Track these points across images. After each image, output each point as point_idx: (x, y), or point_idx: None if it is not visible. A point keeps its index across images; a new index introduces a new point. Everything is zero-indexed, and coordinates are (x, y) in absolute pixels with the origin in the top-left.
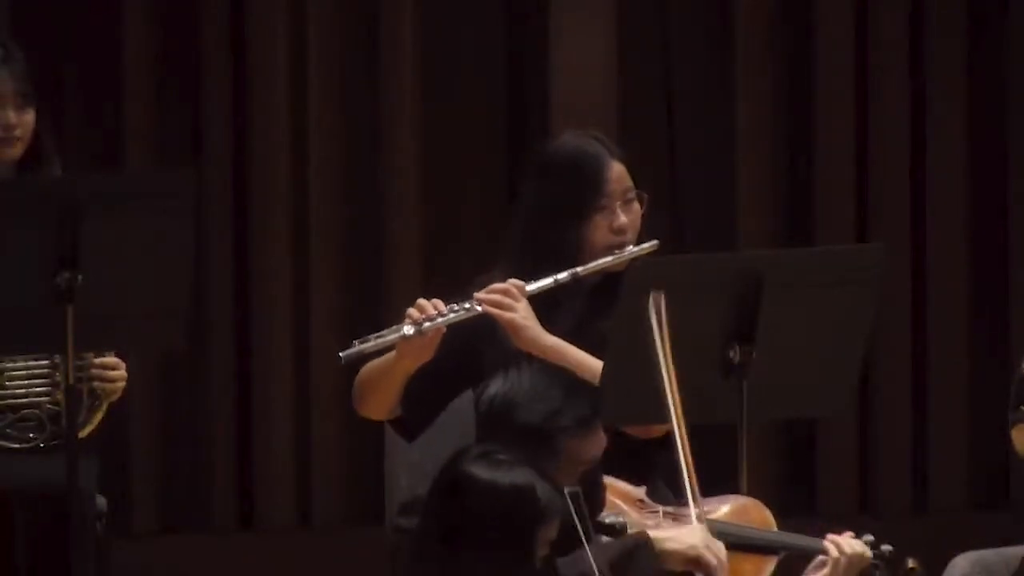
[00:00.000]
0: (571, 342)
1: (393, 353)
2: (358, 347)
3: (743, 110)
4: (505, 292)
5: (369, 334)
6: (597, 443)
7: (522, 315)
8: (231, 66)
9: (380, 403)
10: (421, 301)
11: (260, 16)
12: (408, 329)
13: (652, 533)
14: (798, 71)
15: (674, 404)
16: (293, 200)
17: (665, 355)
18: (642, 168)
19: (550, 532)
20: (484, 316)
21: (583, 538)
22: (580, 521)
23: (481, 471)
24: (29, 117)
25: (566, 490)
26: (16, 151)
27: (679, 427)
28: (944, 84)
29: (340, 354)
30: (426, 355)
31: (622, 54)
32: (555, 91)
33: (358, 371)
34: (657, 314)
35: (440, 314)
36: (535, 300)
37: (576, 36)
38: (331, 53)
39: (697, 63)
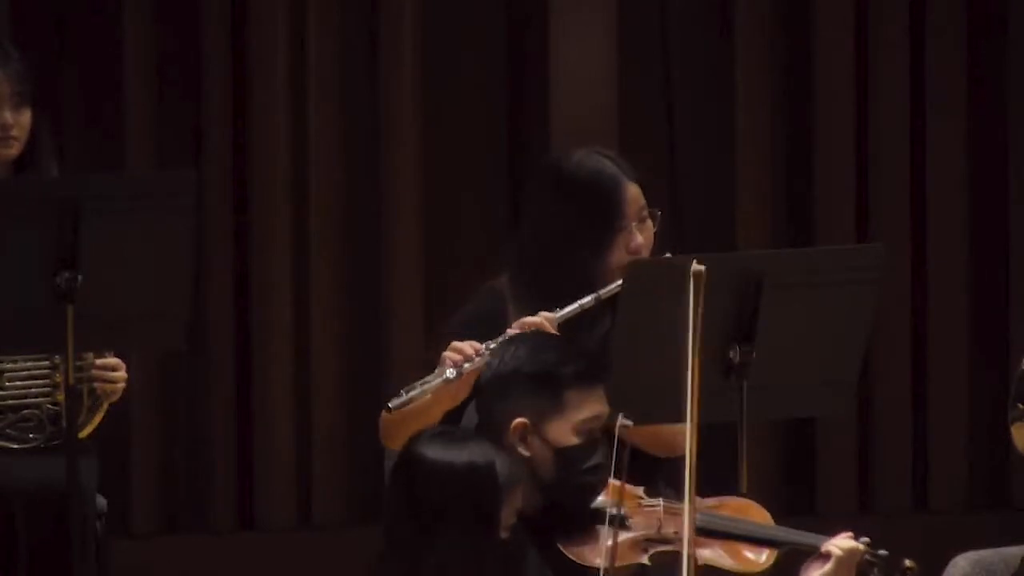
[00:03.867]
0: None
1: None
2: (406, 396)
3: (743, 111)
4: (539, 326)
5: (412, 383)
6: (597, 403)
7: None
8: (231, 66)
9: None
10: (457, 344)
11: (260, 16)
12: (451, 373)
13: None
14: (798, 71)
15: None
16: (293, 200)
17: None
18: (642, 168)
19: (515, 502)
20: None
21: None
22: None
23: (436, 453)
24: (25, 117)
25: (619, 421)
26: (13, 151)
27: (691, 417)
28: (944, 84)
29: (389, 404)
30: (463, 394)
31: (622, 55)
32: (555, 92)
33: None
34: (696, 290)
35: (478, 353)
36: (559, 327)
37: (576, 37)
38: (331, 53)
39: (696, 64)
